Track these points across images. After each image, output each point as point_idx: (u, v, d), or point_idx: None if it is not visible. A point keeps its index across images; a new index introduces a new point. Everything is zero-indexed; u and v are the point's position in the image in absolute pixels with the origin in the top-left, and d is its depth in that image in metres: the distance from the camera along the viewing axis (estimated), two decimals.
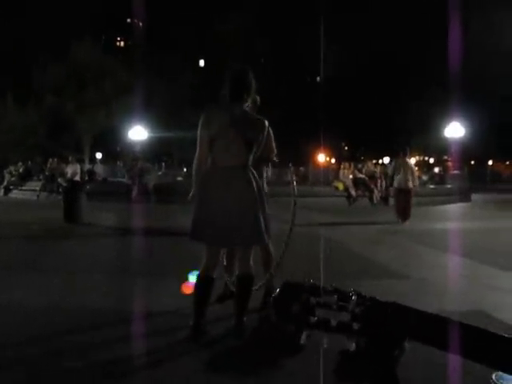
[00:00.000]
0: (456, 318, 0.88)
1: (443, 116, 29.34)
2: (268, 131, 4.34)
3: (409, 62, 40.89)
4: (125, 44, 58.45)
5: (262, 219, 4.12)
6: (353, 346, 0.85)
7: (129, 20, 53.56)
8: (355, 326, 0.85)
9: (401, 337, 0.85)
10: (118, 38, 59.73)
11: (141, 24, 48.13)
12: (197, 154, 4.13)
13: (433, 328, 0.84)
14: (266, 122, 4.20)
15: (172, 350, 3.95)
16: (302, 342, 0.90)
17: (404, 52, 41.08)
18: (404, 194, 13.14)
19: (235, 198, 4.04)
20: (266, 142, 4.36)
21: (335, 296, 0.89)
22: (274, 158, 5.09)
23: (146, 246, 8.80)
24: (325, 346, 0.89)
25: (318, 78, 46.50)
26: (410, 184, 13.17)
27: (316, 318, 0.87)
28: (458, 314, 4.46)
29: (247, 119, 4.14)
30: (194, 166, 4.19)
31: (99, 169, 34.79)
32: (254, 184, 4.10)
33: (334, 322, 0.86)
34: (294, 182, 5.37)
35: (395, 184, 13.48)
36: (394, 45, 40.98)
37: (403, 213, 13.05)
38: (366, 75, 42.88)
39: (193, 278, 4.35)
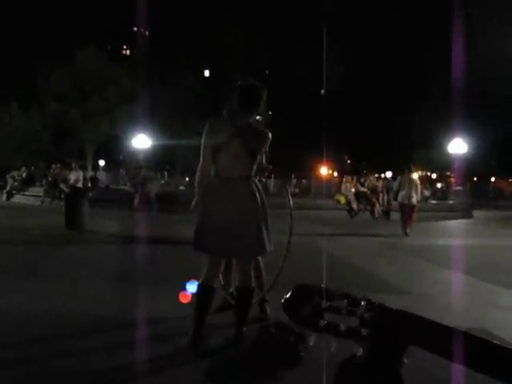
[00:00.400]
0: None
1: (446, 132, 29.42)
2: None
3: (412, 77, 41.03)
4: (130, 52, 58.79)
5: (264, 230, 4.12)
6: (360, 352, 0.86)
7: (135, 29, 53.89)
8: (363, 331, 0.85)
9: (407, 344, 0.85)
10: (124, 47, 60.09)
11: (147, 33, 48.44)
12: (200, 164, 4.14)
13: (440, 337, 0.84)
14: (270, 135, 4.21)
15: (172, 359, 3.94)
16: (310, 343, 0.90)
17: (407, 66, 41.24)
18: (408, 209, 13.58)
19: (238, 209, 4.05)
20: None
21: (345, 301, 0.90)
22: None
23: (148, 254, 8.80)
24: (332, 350, 0.89)
25: (322, 91, 46.64)
26: (414, 200, 13.63)
27: (325, 322, 0.87)
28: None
29: (251, 130, 4.15)
30: (197, 177, 4.20)
31: (102, 176, 34.88)
32: (258, 195, 4.11)
33: (343, 327, 0.86)
34: (290, 196, 5.35)
35: (399, 199, 13.90)
36: (397, 59, 41.16)
37: (406, 223, 13.54)
38: (369, 89, 43.02)
39: (191, 288, 4.35)
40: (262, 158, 4.22)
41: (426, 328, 0.85)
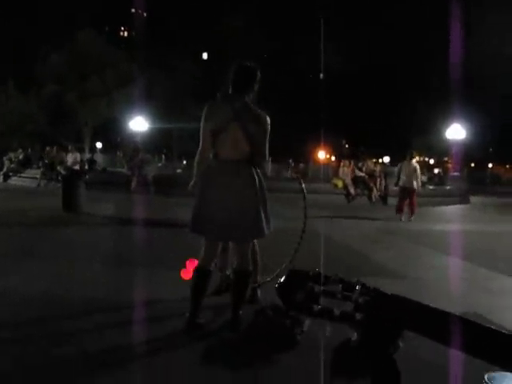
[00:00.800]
0: None
1: (444, 118, 29.36)
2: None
3: (411, 63, 40.86)
4: (128, 34, 58.35)
5: (262, 214, 4.13)
6: (355, 336, 0.85)
7: (133, 10, 53.45)
8: (358, 316, 0.84)
9: (401, 328, 0.85)
10: (122, 28, 59.63)
11: (145, 14, 48.05)
12: (200, 147, 4.14)
13: (435, 321, 0.84)
14: (268, 118, 4.19)
15: (168, 341, 3.95)
16: (305, 328, 0.89)
17: (406, 53, 41.05)
18: (408, 193, 14.26)
19: (237, 192, 4.05)
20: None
21: (340, 285, 0.89)
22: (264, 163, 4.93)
23: (145, 237, 8.80)
24: (327, 334, 0.89)
25: (321, 75, 46.42)
26: (415, 184, 14.29)
27: (319, 307, 0.86)
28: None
29: (250, 113, 4.12)
30: (196, 158, 4.18)
31: (99, 159, 34.77)
32: (256, 178, 4.11)
33: (337, 312, 0.85)
34: (304, 189, 5.42)
35: (400, 183, 14.62)
36: (396, 46, 40.96)
37: (409, 210, 14.19)
38: (367, 74, 42.84)
39: (191, 266, 4.35)
40: (265, 146, 4.16)
41: (420, 313, 0.84)
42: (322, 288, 0.87)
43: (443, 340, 0.83)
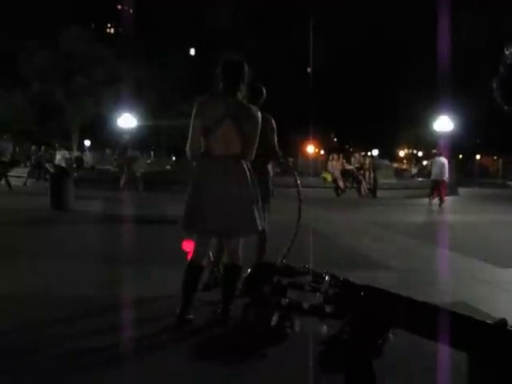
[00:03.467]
0: None
1: (433, 110, 29.40)
2: (270, 125, 4.64)
3: (398, 56, 40.92)
4: (115, 31, 57.95)
5: (255, 209, 4.14)
6: (325, 329, 0.84)
7: (119, 6, 53.11)
8: (327, 308, 0.84)
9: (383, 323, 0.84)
10: (109, 25, 59.20)
11: (131, 10, 47.73)
12: (188, 143, 4.13)
13: (404, 310, 0.84)
14: (259, 113, 4.21)
15: (158, 338, 3.94)
16: (273, 323, 0.88)
17: (394, 45, 41.07)
18: (439, 184, 17.33)
19: (228, 188, 4.05)
20: (267, 135, 4.53)
21: (309, 277, 0.88)
22: (279, 157, 5.16)
23: (134, 234, 8.76)
24: (297, 329, 0.88)
25: (309, 69, 46.40)
26: (443, 177, 17.33)
27: (288, 300, 0.86)
28: (441, 305, 4.48)
29: (243, 110, 4.13)
30: (189, 155, 4.17)
31: (87, 156, 34.59)
32: (248, 175, 4.12)
33: (306, 304, 0.84)
34: (299, 185, 5.63)
35: (432, 177, 17.74)
36: (383, 38, 40.97)
37: (440, 197, 17.11)
38: (355, 69, 42.87)
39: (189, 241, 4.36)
40: (256, 139, 4.16)
41: (392, 302, 0.84)
42: (289, 280, 0.87)
43: (409, 327, 0.83)
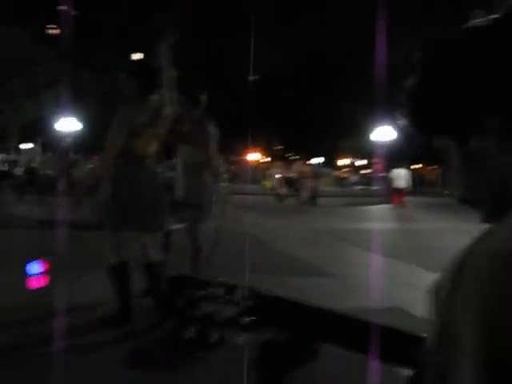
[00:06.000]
0: (373, 314, 0.89)
1: (372, 120, 30.09)
2: (208, 132, 4.75)
3: (338, 66, 41.78)
4: (57, 32, 56.58)
5: (161, 209, 4.31)
6: (240, 340, 0.84)
7: (60, 7, 51.88)
8: (242, 320, 0.84)
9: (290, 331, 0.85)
10: (50, 26, 57.75)
11: (73, 12, 46.74)
12: (111, 147, 4.22)
13: (314, 321, 0.85)
14: (175, 115, 4.36)
15: (90, 342, 3.86)
16: (186, 337, 0.88)
17: (334, 56, 41.93)
18: (399, 191, 20.28)
19: (141, 188, 4.18)
20: (204, 143, 4.70)
21: (222, 289, 0.88)
22: (216, 166, 5.08)
23: (64, 239, 8.48)
24: (212, 340, 0.87)
25: (251, 78, 46.69)
26: (403, 185, 20.31)
27: (202, 313, 0.85)
28: (375, 310, 4.58)
29: (160, 115, 4.27)
30: (107, 156, 4.28)
31: (26, 159, 33.45)
32: (157, 178, 4.36)
33: (220, 316, 0.84)
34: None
35: (393, 185, 20.40)
36: (325, 48, 41.75)
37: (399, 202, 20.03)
38: (297, 79, 43.50)
39: (33, 270, 4.25)
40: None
41: (300, 312, 0.85)
42: (203, 293, 0.86)
43: (315, 334, 0.84)
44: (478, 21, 0.68)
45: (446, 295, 0.55)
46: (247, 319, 0.83)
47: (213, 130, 4.94)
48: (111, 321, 4.15)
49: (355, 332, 0.81)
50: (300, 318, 0.84)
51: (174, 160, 5.32)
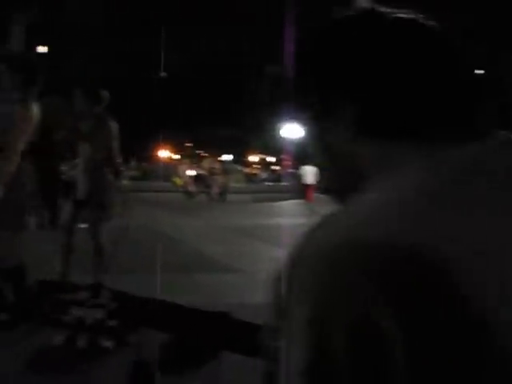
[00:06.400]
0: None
1: (280, 117, 30.60)
2: (109, 130, 4.66)
3: (246, 64, 42.24)
4: None
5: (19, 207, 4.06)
6: (109, 344, 0.82)
7: None
8: (111, 322, 0.82)
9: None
10: None
11: None
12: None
13: (168, 316, 0.85)
14: (60, 113, 4.25)
15: None
16: (57, 342, 0.85)
17: (241, 54, 42.38)
18: (309, 187, 19.19)
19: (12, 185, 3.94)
20: (105, 140, 4.65)
21: (88, 293, 0.86)
22: (118, 163, 4.96)
23: None
24: (82, 346, 0.85)
25: (162, 74, 46.23)
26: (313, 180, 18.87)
27: (69, 317, 0.82)
28: None
29: (48, 113, 4.26)
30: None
31: None
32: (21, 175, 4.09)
33: (89, 320, 0.82)
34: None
35: (303, 181, 19.47)
36: (232, 47, 42.19)
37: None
38: (206, 76, 43.59)
39: None
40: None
41: (162, 311, 0.86)
42: (71, 297, 0.84)
43: (171, 330, 0.85)
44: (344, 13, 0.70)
45: (283, 286, 0.56)
46: (113, 322, 0.81)
47: (114, 127, 4.83)
48: None
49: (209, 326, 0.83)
50: (162, 318, 0.85)
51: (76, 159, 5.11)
